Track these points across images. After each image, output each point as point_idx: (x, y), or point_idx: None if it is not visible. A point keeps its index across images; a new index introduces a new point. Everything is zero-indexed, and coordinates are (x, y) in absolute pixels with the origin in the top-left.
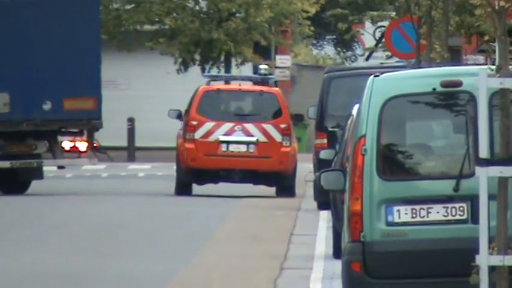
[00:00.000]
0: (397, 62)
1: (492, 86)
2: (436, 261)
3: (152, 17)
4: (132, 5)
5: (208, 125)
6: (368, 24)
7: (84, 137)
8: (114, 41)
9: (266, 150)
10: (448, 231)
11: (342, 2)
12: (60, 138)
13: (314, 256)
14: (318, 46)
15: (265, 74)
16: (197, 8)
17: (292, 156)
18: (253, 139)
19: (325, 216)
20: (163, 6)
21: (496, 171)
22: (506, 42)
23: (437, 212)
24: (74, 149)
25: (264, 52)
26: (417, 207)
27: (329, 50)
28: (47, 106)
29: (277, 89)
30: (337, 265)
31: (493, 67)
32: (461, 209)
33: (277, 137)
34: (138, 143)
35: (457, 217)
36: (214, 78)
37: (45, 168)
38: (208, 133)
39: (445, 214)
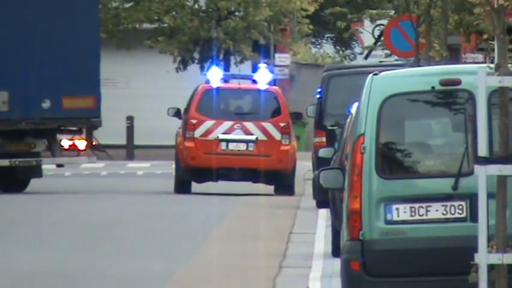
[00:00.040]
0: (396, 60)
1: (491, 84)
2: (435, 259)
3: (151, 16)
4: (131, 4)
5: (208, 123)
6: (367, 22)
7: (83, 136)
8: (113, 39)
9: (265, 148)
10: (447, 230)
11: (341, 1)
12: (59, 136)
13: (313, 254)
14: (317, 44)
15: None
16: (196, 6)
17: (291, 154)
18: (253, 138)
19: (324, 214)
20: (163, 4)
21: (495, 169)
22: (505, 41)
23: (436, 211)
24: (73, 147)
25: (263, 51)
26: (416, 205)
27: (328, 48)
28: (46, 104)
29: (276, 87)
30: (336, 263)
31: (492, 65)
32: (460, 207)
33: (277, 135)
34: (137, 141)
35: (456, 215)
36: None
37: (44, 167)
38: (208, 132)
39: (444, 212)
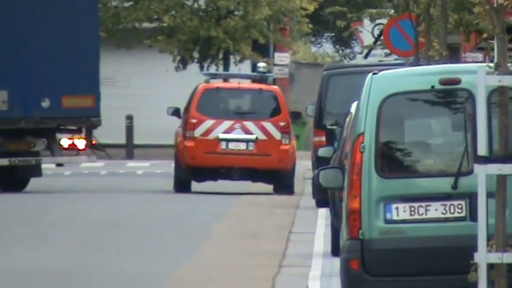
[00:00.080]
0: (396, 59)
1: (491, 83)
2: (434, 258)
3: (151, 15)
4: (131, 3)
5: (208, 123)
6: (366, 21)
7: (83, 135)
8: (113, 38)
9: (265, 148)
10: (447, 229)
11: (341, 0)
12: (58, 135)
13: (312, 254)
14: (317, 44)
15: (263, 72)
16: (196, 5)
17: (291, 154)
18: (253, 137)
19: (324, 214)
20: (162, 3)
21: (495, 168)
22: (504, 40)
23: (436, 210)
24: (73, 146)
25: (263, 50)
26: (416, 204)
27: (328, 47)
28: (46, 104)
29: (276, 87)
30: (336, 263)
31: (492, 65)
32: (459, 206)
33: (277, 135)
34: (137, 140)
35: (456, 215)
36: (214, 77)
37: (43, 166)
38: (208, 131)
39: (444, 212)
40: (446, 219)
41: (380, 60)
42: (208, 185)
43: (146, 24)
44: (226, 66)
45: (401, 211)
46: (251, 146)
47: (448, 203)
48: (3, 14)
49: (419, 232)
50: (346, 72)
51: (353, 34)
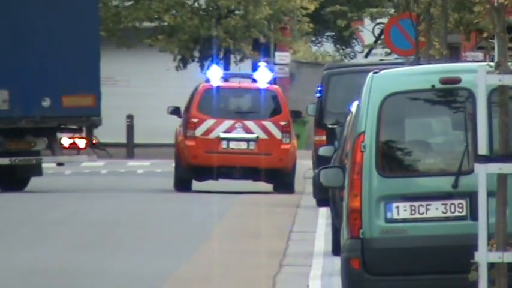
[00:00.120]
0: (396, 59)
1: (491, 82)
2: (435, 258)
3: (151, 14)
4: (131, 2)
5: (209, 122)
6: (367, 21)
7: (83, 134)
8: (114, 38)
9: (266, 147)
10: (447, 228)
11: None
12: (59, 135)
13: (313, 253)
14: (317, 43)
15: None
16: (196, 5)
17: (291, 153)
18: (254, 136)
19: (324, 213)
20: (163, 3)
21: (495, 168)
22: (505, 39)
23: (436, 209)
24: (73, 145)
25: (263, 49)
26: (416, 204)
27: (328, 47)
28: (46, 103)
29: (276, 86)
30: (336, 262)
31: (492, 64)
32: (460, 205)
33: (277, 134)
34: (137, 139)
35: (456, 214)
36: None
37: (44, 165)
38: (209, 130)
39: (444, 211)
40: (447, 219)
41: (380, 60)
42: (209, 184)
43: (147, 24)
44: (226, 66)
45: (401, 210)
46: (252, 146)
47: (449, 202)
48: (4, 14)
49: (419, 231)
50: (347, 72)
51: (353, 33)
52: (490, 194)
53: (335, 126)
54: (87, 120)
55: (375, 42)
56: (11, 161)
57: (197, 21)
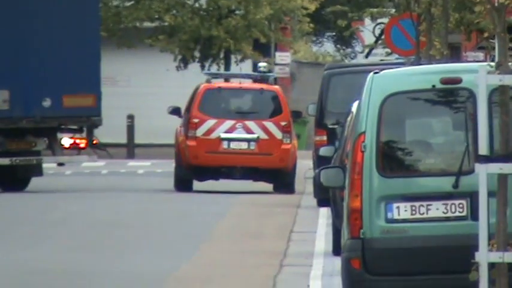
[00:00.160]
0: (397, 59)
1: (491, 82)
2: (435, 258)
3: (152, 14)
4: (132, 2)
5: (210, 122)
6: (367, 21)
7: (84, 134)
8: (114, 38)
9: (267, 147)
10: (448, 228)
11: None
12: (59, 135)
13: (314, 253)
14: (318, 43)
15: (264, 72)
16: (197, 5)
17: (292, 153)
18: (254, 136)
19: (325, 213)
20: (163, 3)
21: (496, 168)
22: (505, 39)
23: (437, 209)
24: (74, 146)
25: (264, 49)
26: (417, 204)
27: (329, 47)
28: (47, 103)
29: (277, 86)
30: (337, 262)
31: (493, 64)
32: (460, 205)
33: (278, 134)
34: (138, 140)
35: (457, 214)
36: (215, 76)
37: (44, 165)
38: (210, 131)
39: (445, 211)
40: (447, 219)
41: (381, 60)
42: (210, 184)
43: (147, 24)
44: (227, 66)
45: (402, 210)
46: (253, 146)
47: (449, 202)
48: (4, 14)
49: (420, 231)
50: (347, 72)
51: (354, 33)
52: (490, 194)
53: (336, 126)
54: (87, 120)
55: (376, 42)
56: (11, 161)
57: (198, 21)
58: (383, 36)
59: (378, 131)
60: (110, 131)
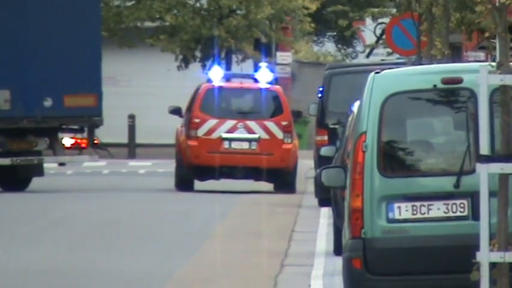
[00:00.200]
0: (398, 58)
1: (493, 82)
2: (436, 257)
3: (153, 14)
4: (133, 2)
5: (211, 122)
6: (369, 21)
7: (85, 134)
8: (115, 38)
9: (268, 147)
10: (449, 228)
11: None
12: (60, 135)
13: (315, 253)
14: (319, 43)
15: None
16: (198, 5)
17: (293, 153)
18: (255, 136)
19: (326, 213)
20: (164, 3)
21: (497, 167)
22: (506, 39)
23: (438, 209)
24: (75, 145)
25: (265, 49)
26: (418, 203)
27: (330, 46)
28: (48, 103)
29: (278, 86)
30: (338, 262)
31: (494, 64)
32: (461, 205)
33: (279, 134)
34: (139, 139)
35: (458, 214)
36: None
37: (45, 165)
38: (211, 130)
39: (446, 211)
40: (449, 218)
41: (382, 60)
42: (211, 184)
43: (148, 24)
44: (228, 66)
45: (403, 210)
46: (254, 145)
47: (450, 202)
48: (5, 14)
49: (421, 231)
50: (348, 72)
51: (355, 33)
52: (491, 194)
53: (337, 126)
54: (88, 120)
55: (377, 42)
56: (12, 161)
57: (199, 21)
58: (384, 36)
59: (379, 131)
60: (111, 130)
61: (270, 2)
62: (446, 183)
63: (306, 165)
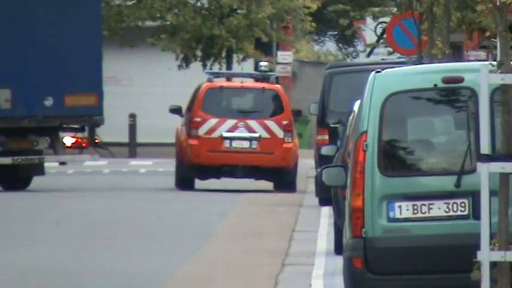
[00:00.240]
0: (399, 58)
1: (493, 82)
2: (437, 257)
3: (154, 13)
4: (134, 1)
5: (212, 121)
6: (369, 20)
7: (86, 133)
8: (116, 37)
9: (268, 146)
10: (450, 227)
11: None
12: (61, 134)
13: (315, 252)
14: (320, 42)
15: (265, 71)
16: (199, 4)
17: (294, 152)
18: (256, 135)
19: (327, 212)
20: (165, 2)
21: (498, 167)
22: (507, 38)
23: (439, 208)
24: (76, 145)
25: (266, 48)
26: (419, 203)
27: (330, 46)
28: (49, 102)
29: (278, 85)
30: (339, 261)
31: (495, 63)
32: (462, 204)
33: (279, 133)
34: (140, 139)
35: (459, 213)
36: (217, 75)
37: (46, 165)
38: (212, 129)
39: (447, 210)
40: (449, 218)
41: (383, 59)
42: (211, 183)
43: (149, 23)
44: (229, 65)
45: (404, 209)
46: (254, 144)
47: (451, 201)
48: (6, 13)
49: (422, 230)
50: (349, 71)
51: (356, 32)
52: (492, 193)
53: (337, 125)
54: (89, 119)
55: (377, 41)
56: (13, 160)
57: (199, 21)
58: (385, 36)
59: (379, 130)
60: (111, 130)
61: (270, 2)
62: (447, 182)
63: (306, 164)
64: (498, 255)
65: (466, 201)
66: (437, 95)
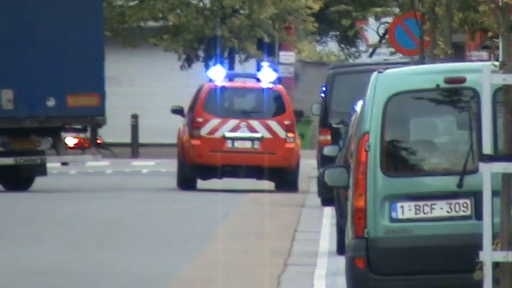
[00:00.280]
0: (401, 58)
1: (496, 82)
2: (439, 257)
3: (156, 14)
4: (136, 2)
5: (214, 121)
6: (372, 20)
7: (88, 134)
8: (118, 37)
9: (270, 146)
10: (452, 228)
11: None
12: (63, 134)
13: (318, 252)
14: (322, 42)
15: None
16: (201, 4)
17: (296, 152)
18: (258, 135)
19: (329, 212)
20: (167, 2)
21: (500, 167)
22: (509, 39)
23: (441, 208)
24: (78, 145)
25: (268, 49)
26: (421, 203)
27: (333, 46)
28: (51, 103)
29: (280, 86)
30: (341, 261)
31: (497, 63)
32: (464, 205)
33: (281, 133)
34: (142, 139)
35: (461, 213)
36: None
37: (48, 165)
38: (214, 130)
39: (449, 210)
40: (452, 218)
41: (385, 59)
42: (213, 183)
43: (151, 23)
44: (231, 65)
45: (406, 210)
46: (256, 145)
47: (454, 201)
48: (8, 14)
49: (424, 231)
50: (352, 71)
51: (358, 33)
52: (494, 193)
53: (340, 125)
54: (91, 119)
55: (380, 41)
56: (15, 161)
57: (202, 21)
58: (387, 36)
59: (382, 131)
60: (114, 130)
61: (273, 2)
62: (449, 182)
63: (309, 164)
64: (500, 256)
65: (468, 201)
66: (440, 95)
